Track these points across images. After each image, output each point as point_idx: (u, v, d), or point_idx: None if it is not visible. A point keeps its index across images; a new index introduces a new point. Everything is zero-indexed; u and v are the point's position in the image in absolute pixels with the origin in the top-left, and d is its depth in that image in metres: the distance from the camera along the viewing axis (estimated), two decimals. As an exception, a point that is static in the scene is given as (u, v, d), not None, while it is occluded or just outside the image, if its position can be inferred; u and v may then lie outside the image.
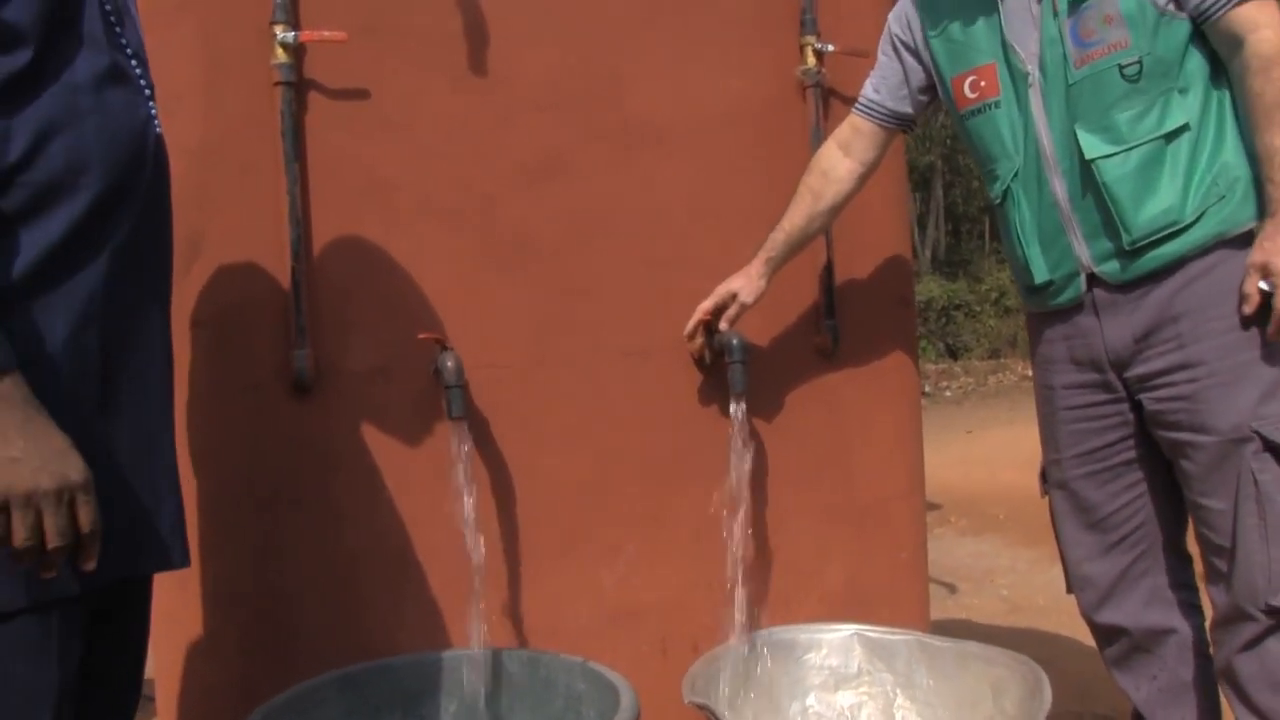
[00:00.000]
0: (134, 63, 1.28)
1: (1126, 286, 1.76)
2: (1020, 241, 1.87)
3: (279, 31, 1.78)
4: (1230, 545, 1.71)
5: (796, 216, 2.01)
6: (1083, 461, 1.90)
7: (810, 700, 1.97)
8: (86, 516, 1.07)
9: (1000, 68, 1.82)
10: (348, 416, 1.85)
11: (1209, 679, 1.90)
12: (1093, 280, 1.80)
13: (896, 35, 2.01)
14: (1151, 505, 1.88)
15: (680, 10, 2.05)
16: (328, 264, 1.84)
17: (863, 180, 2.04)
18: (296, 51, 1.80)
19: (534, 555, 1.94)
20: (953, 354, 15.64)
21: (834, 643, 1.99)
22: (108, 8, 1.24)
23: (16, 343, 1.08)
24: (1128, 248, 1.73)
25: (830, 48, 2.12)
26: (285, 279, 1.80)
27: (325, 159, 1.84)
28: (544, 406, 1.95)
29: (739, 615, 1.93)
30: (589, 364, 1.98)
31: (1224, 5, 1.65)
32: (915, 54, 1.99)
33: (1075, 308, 1.84)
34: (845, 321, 2.16)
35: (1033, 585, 4.14)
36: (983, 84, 1.85)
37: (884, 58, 2.04)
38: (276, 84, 1.79)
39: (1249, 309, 1.65)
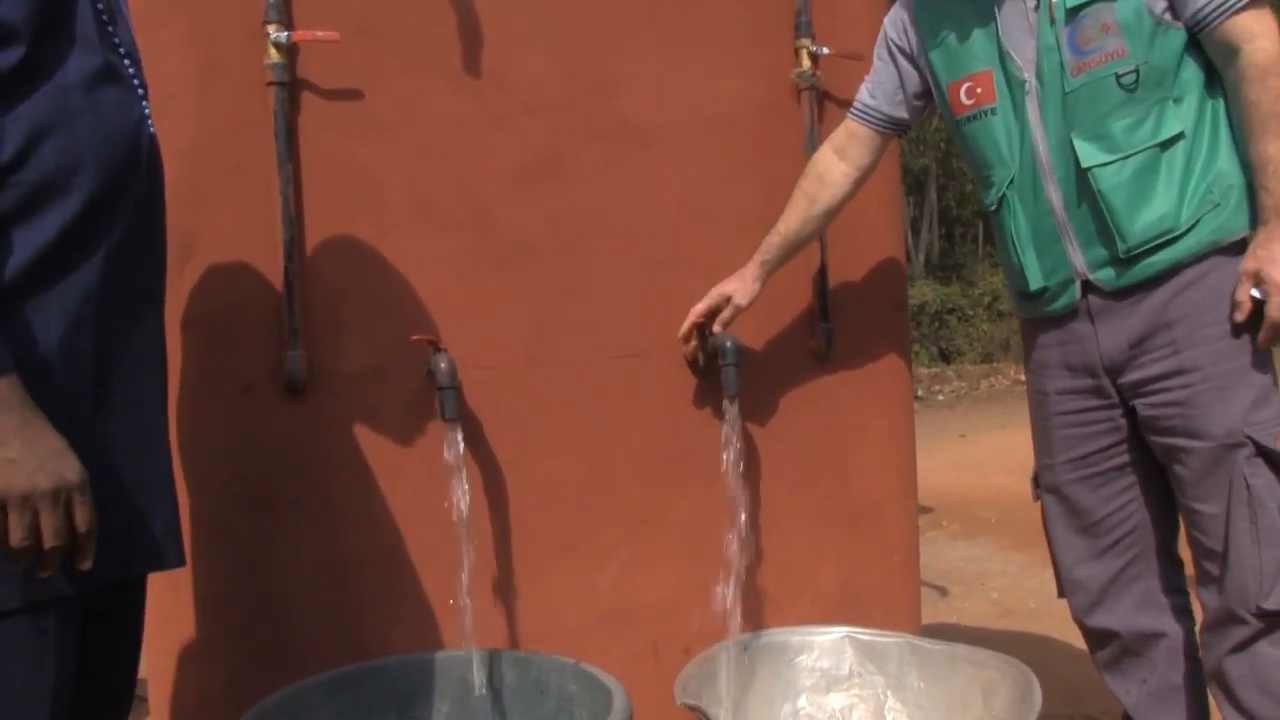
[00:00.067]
0: (127, 62, 1.28)
1: (1121, 293, 1.77)
2: (1015, 248, 1.87)
3: (272, 31, 1.77)
4: (1222, 549, 1.72)
5: (792, 220, 2.01)
6: (1076, 466, 1.91)
7: (802, 702, 1.97)
8: (82, 517, 1.08)
9: (997, 75, 1.83)
10: (341, 418, 1.84)
11: (1199, 683, 1.90)
12: (1087, 287, 1.81)
13: (893, 40, 2.02)
14: (1144, 510, 1.89)
15: (675, 12, 2.05)
16: (321, 265, 1.84)
17: (858, 184, 2.05)
18: (289, 52, 1.80)
19: (527, 556, 1.94)
20: (945, 358, 15.68)
21: (825, 645, 1.99)
22: (100, 6, 1.24)
23: (10, 344, 1.07)
24: (1123, 255, 1.74)
25: (825, 50, 2.12)
26: (278, 280, 1.79)
27: (318, 159, 1.83)
28: (537, 408, 1.95)
29: (731, 617, 1.93)
30: (583, 366, 1.98)
31: (1220, 15, 1.66)
32: (911, 59, 2.00)
33: (1070, 314, 1.85)
34: (839, 325, 2.16)
35: (1024, 589, 4.15)
36: (979, 91, 1.86)
37: (880, 63, 2.04)
38: (269, 84, 1.78)
39: (1241, 316, 1.67)
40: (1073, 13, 1.73)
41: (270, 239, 1.79)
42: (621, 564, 2.00)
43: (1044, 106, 1.78)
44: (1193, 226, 1.71)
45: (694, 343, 2.01)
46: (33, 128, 1.13)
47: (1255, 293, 1.64)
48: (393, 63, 1.87)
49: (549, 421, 1.96)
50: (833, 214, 2.04)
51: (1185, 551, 1.90)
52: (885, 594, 2.21)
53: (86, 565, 1.10)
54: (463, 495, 1.75)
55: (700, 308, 1.99)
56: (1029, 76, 1.79)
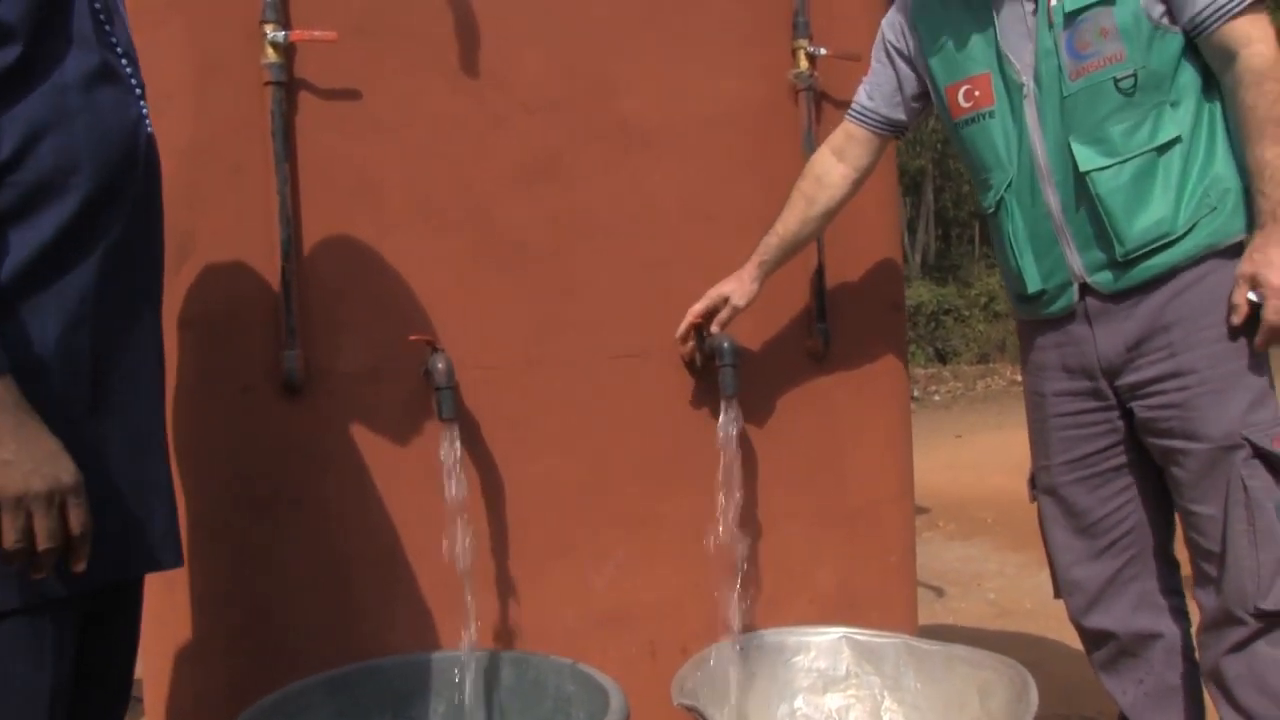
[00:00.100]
0: (124, 62, 1.27)
1: (1119, 296, 1.78)
2: (1013, 251, 1.87)
3: (269, 31, 1.77)
4: (1220, 550, 1.72)
5: (790, 221, 2.01)
6: (1073, 468, 1.91)
7: (798, 702, 1.98)
8: (77, 519, 1.08)
9: (995, 78, 1.83)
10: (338, 418, 1.84)
11: (1195, 683, 1.91)
12: (1085, 290, 1.81)
13: (890, 42, 2.02)
14: (1141, 511, 1.90)
15: (673, 13, 2.05)
16: (318, 264, 1.83)
17: (857, 185, 2.05)
18: (287, 51, 1.80)
19: (524, 557, 1.94)
20: (942, 358, 15.70)
21: (822, 645, 1.99)
22: (97, 6, 1.24)
23: (8, 344, 1.07)
24: (1120, 259, 1.74)
25: (823, 51, 2.12)
26: (275, 279, 1.79)
27: (316, 159, 1.83)
28: (535, 408, 1.95)
29: (728, 618, 1.93)
30: (580, 366, 1.98)
31: (1218, 20, 1.66)
32: (909, 61, 2.00)
33: (1067, 316, 1.85)
34: (836, 325, 2.17)
35: (1020, 589, 4.16)
36: (977, 94, 1.86)
37: (878, 65, 2.04)
38: (267, 84, 1.78)
39: (1237, 319, 1.68)
40: (1071, 17, 1.73)
41: (268, 239, 1.79)
42: (619, 564, 2.00)
43: (1042, 110, 1.78)
44: (1190, 230, 1.72)
45: (691, 343, 2.01)
46: (30, 127, 1.13)
47: (1252, 296, 1.65)
48: (391, 62, 1.87)
49: (547, 422, 1.96)
50: (831, 215, 2.04)
51: (1181, 553, 1.91)
52: (882, 595, 2.21)
53: (80, 567, 1.10)
54: (459, 495, 1.75)
55: (698, 308, 1.99)
56: (1027, 80, 1.79)
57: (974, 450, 7.73)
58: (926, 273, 20.06)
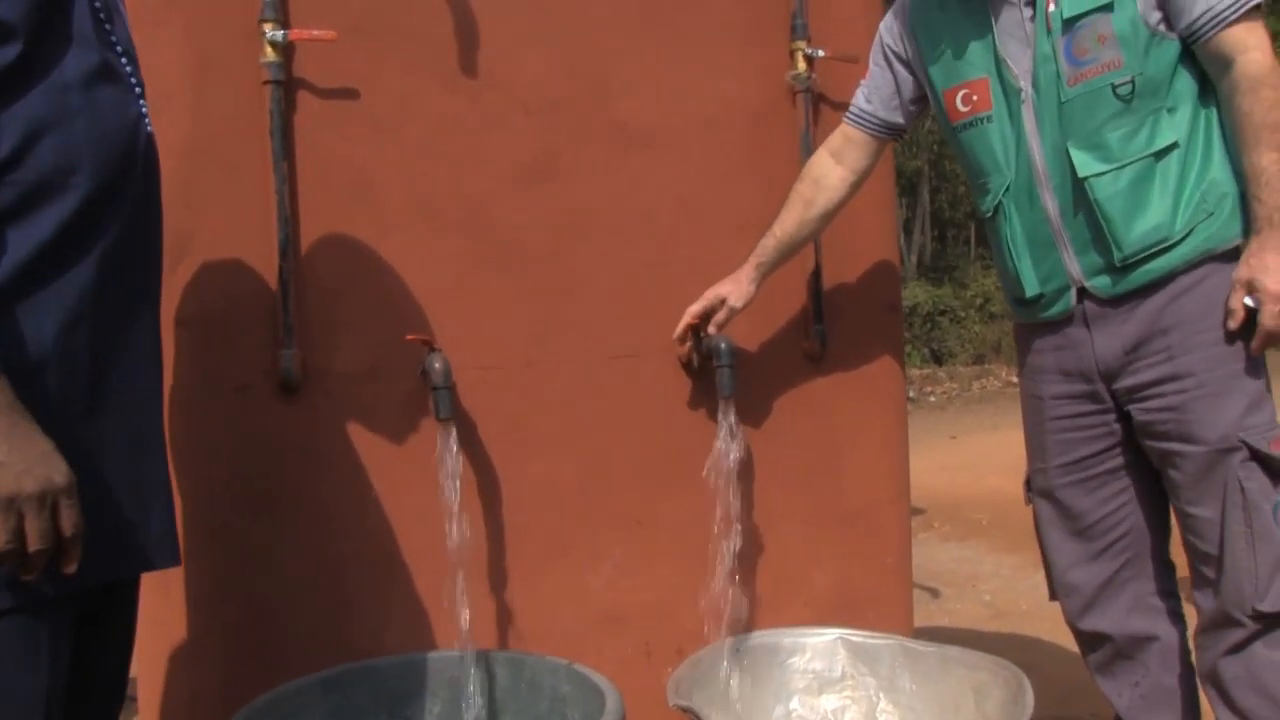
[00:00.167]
0: (124, 61, 1.27)
1: (1116, 300, 1.79)
2: (1011, 255, 1.88)
3: (268, 30, 1.77)
4: (1218, 552, 1.73)
5: (788, 223, 2.01)
6: (1070, 470, 1.92)
7: (794, 704, 1.98)
8: (69, 520, 1.07)
9: (993, 82, 1.84)
10: (335, 417, 1.84)
11: (1191, 686, 1.92)
12: (1083, 294, 1.82)
13: (888, 46, 2.02)
14: (1137, 513, 1.90)
15: (671, 13, 2.05)
16: (316, 264, 1.83)
17: (855, 188, 2.05)
18: (285, 50, 1.80)
19: (520, 557, 1.94)
20: (937, 359, 15.71)
21: (818, 647, 2.00)
22: (97, 5, 1.24)
23: (5, 343, 1.07)
24: (1118, 263, 1.75)
25: (820, 53, 2.12)
26: (273, 279, 1.79)
27: (314, 159, 1.83)
28: (532, 408, 1.95)
29: (725, 619, 1.93)
30: (578, 366, 1.98)
31: (1214, 27, 1.68)
32: (907, 65, 2.00)
33: (1065, 319, 1.86)
34: (833, 327, 2.17)
35: (1016, 590, 4.16)
36: (975, 98, 1.87)
37: (876, 68, 2.04)
38: (265, 83, 1.78)
39: (1234, 324, 1.69)
40: (1069, 23, 1.74)
41: (266, 238, 1.78)
42: (615, 565, 2.00)
43: (1040, 115, 1.79)
44: (1187, 235, 1.73)
45: (689, 344, 2.02)
46: (30, 126, 1.13)
47: (1249, 301, 1.67)
48: (390, 62, 1.87)
49: (543, 422, 1.96)
50: (829, 217, 2.05)
51: (1177, 555, 1.91)
52: (878, 596, 2.21)
53: (72, 569, 1.09)
54: (456, 495, 1.75)
55: (695, 309, 1.99)
56: (1025, 85, 1.79)
57: (969, 451, 7.74)
58: (922, 274, 20.07)
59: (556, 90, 1.97)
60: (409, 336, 1.79)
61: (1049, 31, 1.76)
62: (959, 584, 4.38)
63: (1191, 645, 1.88)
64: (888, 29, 2.03)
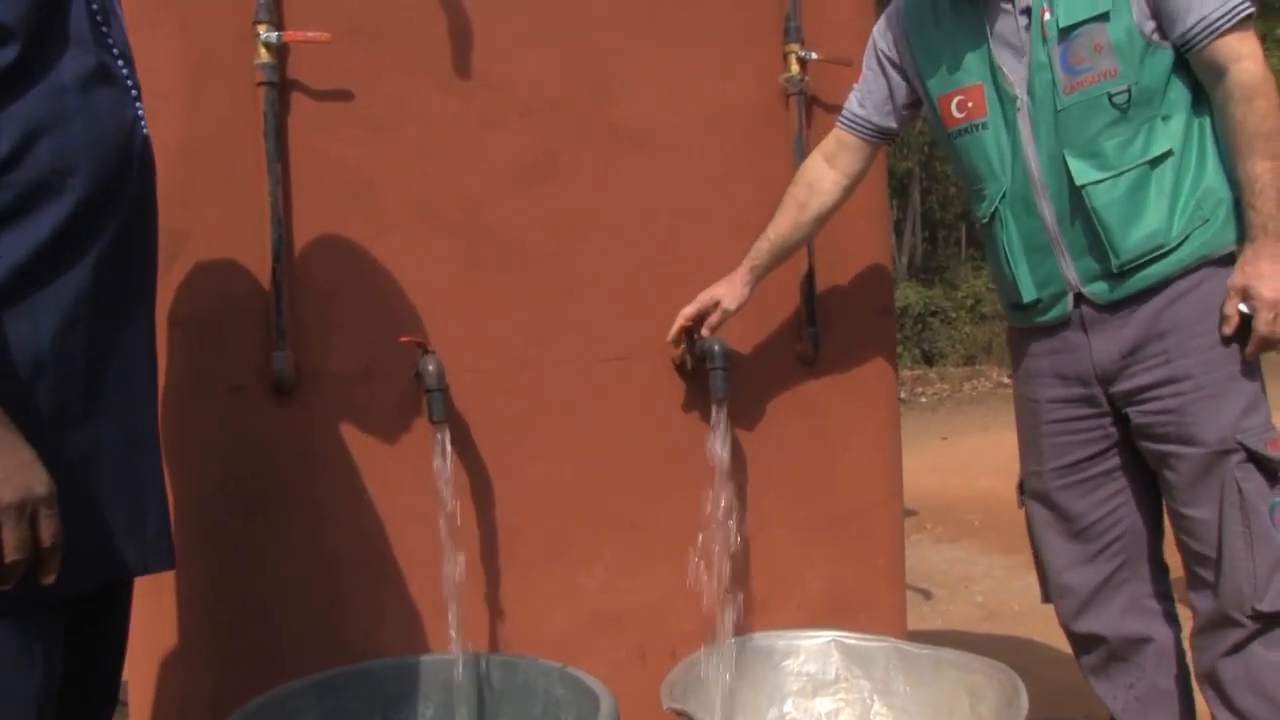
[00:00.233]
0: (120, 63, 1.27)
1: (1114, 305, 1.80)
2: (1008, 261, 1.88)
3: (262, 31, 1.77)
4: (1215, 554, 1.74)
5: (782, 226, 2.01)
6: (1065, 473, 1.92)
7: (788, 706, 1.98)
8: (48, 530, 1.06)
9: (988, 89, 1.84)
10: (328, 419, 1.84)
11: (1186, 688, 1.92)
12: (1079, 299, 1.83)
13: (882, 51, 2.02)
14: (1132, 515, 1.91)
15: (667, 15, 2.05)
16: (309, 265, 1.83)
17: (848, 191, 2.06)
18: (280, 52, 1.79)
19: (514, 560, 1.94)
20: (928, 360, 15.73)
21: (812, 649, 1.99)
22: (94, 7, 1.23)
23: (1, 345, 1.07)
24: (1115, 270, 1.76)
25: (814, 55, 2.12)
26: (266, 280, 1.79)
27: (308, 160, 1.83)
28: (526, 410, 1.95)
29: (718, 621, 1.93)
30: (572, 368, 1.98)
31: (1208, 37, 1.69)
32: (901, 70, 2.00)
33: (1062, 324, 1.87)
34: (826, 329, 2.17)
35: (1008, 592, 4.17)
36: (970, 105, 1.87)
37: (869, 72, 2.05)
38: (260, 84, 1.78)
39: (1229, 330, 1.71)
40: (1065, 32, 1.75)
41: (259, 239, 1.78)
42: (609, 567, 2.00)
43: (1036, 123, 1.79)
44: (1183, 241, 1.74)
45: (682, 346, 2.01)
46: (27, 127, 1.12)
47: (1243, 307, 1.69)
48: (385, 63, 1.87)
49: (537, 424, 1.96)
50: (823, 221, 2.05)
51: (1171, 557, 1.92)
52: (871, 598, 2.22)
53: (50, 579, 1.08)
54: (450, 497, 1.75)
55: (689, 311, 1.99)
56: (1020, 93, 1.80)
57: (961, 452, 7.75)
58: (913, 274, 20.08)
59: (554, 90, 1.97)
60: (403, 339, 1.79)
61: (1044, 40, 1.76)
62: (951, 585, 4.39)
63: (1187, 647, 1.89)
64: (881, 33, 2.03)
